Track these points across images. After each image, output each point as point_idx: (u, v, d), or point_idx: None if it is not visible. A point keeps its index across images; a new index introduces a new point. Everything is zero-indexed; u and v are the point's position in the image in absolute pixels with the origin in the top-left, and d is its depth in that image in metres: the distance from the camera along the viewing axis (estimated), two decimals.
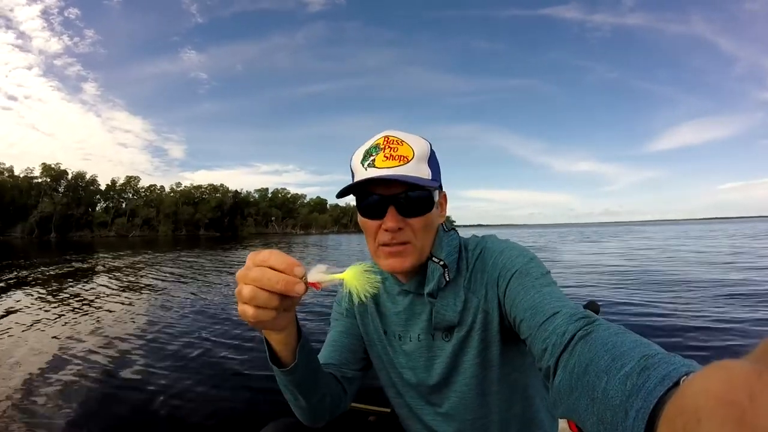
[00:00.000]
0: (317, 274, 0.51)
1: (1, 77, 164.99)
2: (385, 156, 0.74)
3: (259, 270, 0.49)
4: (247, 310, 0.50)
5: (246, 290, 0.49)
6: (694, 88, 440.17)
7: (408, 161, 0.73)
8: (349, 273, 0.53)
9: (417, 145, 0.76)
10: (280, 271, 0.49)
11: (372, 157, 0.74)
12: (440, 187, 0.80)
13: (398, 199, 0.73)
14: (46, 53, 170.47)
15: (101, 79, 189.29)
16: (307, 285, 0.51)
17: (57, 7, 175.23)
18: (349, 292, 0.53)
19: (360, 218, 0.80)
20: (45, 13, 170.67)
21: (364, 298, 0.53)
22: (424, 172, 0.75)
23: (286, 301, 0.51)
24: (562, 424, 1.00)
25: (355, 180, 0.74)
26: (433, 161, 0.78)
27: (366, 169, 0.74)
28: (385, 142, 0.76)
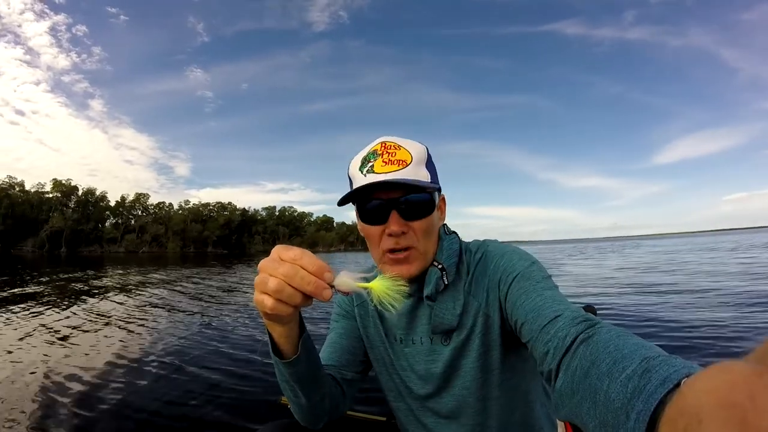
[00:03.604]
0: (345, 281, 0.51)
1: (10, 92, 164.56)
2: (383, 161, 0.74)
3: (291, 266, 0.49)
4: (266, 301, 0.50)
5: (273, 282, 0.49)
6: (697, 100, 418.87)
7: (407, 165, 0.74)
8: (376, 283, 0.53)
9: (414, 149, 0.77)
10: (311, 273, 0.49)
11: (370, 163, 0.75)
12: (439, 190, 0.81)
13: (399, 203, 0.74)
14: (54, 69, 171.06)
15: (108, 96, 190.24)
16: (334, 291, 0.51)
17: (65, 23, 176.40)
18: (378, 299, 0.52)
19: (361, 225, 0.80)
20: (53, 30, 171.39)
21: (393, 309, 0.52)
22: (423, 175, 0.76)
23: (307, 300, 0.51)
24: (560, 429, 1.01)
25: (355, 187, 0.75)
26: (430, 164, 0.80)
27: (365, 176, 0.74)
28: (383, 148, 0.76)
